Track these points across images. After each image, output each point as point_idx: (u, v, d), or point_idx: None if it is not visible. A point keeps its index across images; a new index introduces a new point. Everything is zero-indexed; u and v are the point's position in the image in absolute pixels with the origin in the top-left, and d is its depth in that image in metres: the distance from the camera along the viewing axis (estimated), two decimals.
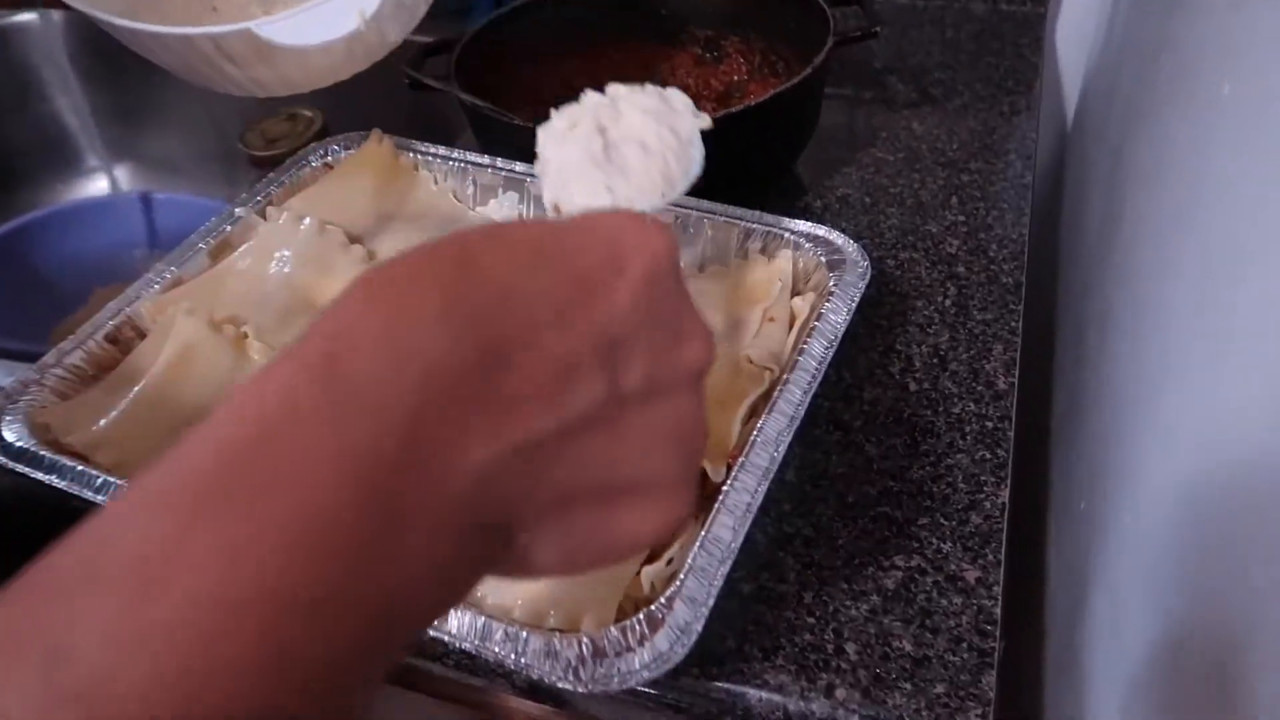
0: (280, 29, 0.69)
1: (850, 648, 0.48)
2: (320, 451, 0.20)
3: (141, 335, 0.59)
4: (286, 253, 0.62)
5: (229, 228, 0.64)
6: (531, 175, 0.67)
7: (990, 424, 0.58)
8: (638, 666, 0.40)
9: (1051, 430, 0.68)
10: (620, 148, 0.49)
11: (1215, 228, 0.40)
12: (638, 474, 0.26)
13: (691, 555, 0.44)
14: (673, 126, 0.50)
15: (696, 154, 0.50)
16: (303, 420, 0.21)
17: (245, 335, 0.57)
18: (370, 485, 0.21)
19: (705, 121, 0.51)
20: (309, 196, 0.66)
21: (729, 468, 0.48)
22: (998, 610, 0.49)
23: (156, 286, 0.60)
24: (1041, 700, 0.56)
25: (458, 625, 0.42)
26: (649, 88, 0.52)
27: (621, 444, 0.25)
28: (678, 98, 0.52)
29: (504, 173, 0.67)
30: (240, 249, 0.63)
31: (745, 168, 0.70)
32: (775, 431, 0.49)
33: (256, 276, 0.62)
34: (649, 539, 0.28)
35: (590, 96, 0.51)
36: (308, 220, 0.63)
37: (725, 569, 0.43)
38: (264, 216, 0.65)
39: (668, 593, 0.43)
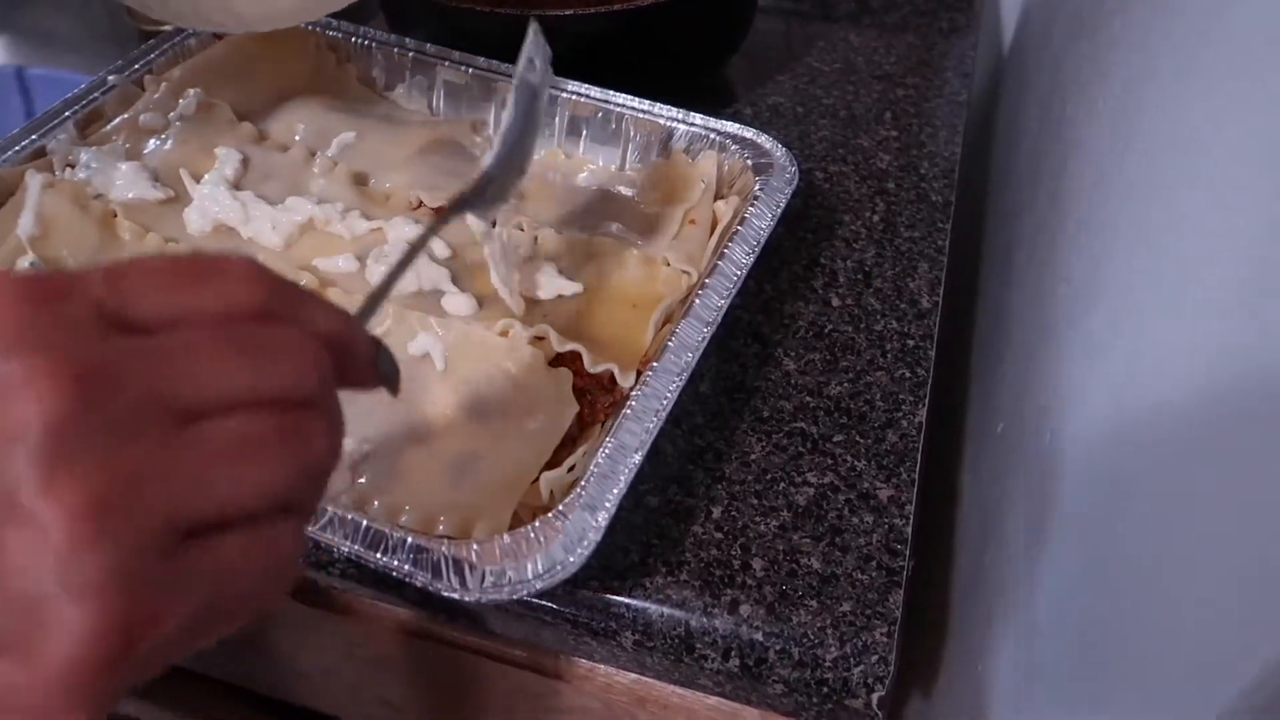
0: None
1: (757, 564, 0.46)
2: None
3: None
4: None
5: (99, 95, 0.58)
6: (443, 59, 0.62)
7: (912, 342, 0.56)
8: (530, 576, 0.38)
9: (972, 352, 0.67)
10: None
11: (1160, 134, 0.38)
12: None
13: (594, 462, 0.41)
14: None
15: None
16: None
17: (114, 214, 0.52)
18: None
19: None
20: (194, 67, 0.60)
21: (638, 374, 0.46)
22: (909, 530, 0.47)
23: (10, 155, 0.54)
24: (946, 620, 0.55)
25: (337, 529, 0.39)
26: None
27: None
28: None
29: (413, 53, 0.62)
30: (114, 121, 0.57)
31: (675, 63, 0.66)
32: (690, 337, 0.46)
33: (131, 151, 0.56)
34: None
35: None
36: (191, 92, 0.57)
37: (629, 476, 0.41)
38: (142, 87, 0.59)
39: (566, 500, 0.40)
